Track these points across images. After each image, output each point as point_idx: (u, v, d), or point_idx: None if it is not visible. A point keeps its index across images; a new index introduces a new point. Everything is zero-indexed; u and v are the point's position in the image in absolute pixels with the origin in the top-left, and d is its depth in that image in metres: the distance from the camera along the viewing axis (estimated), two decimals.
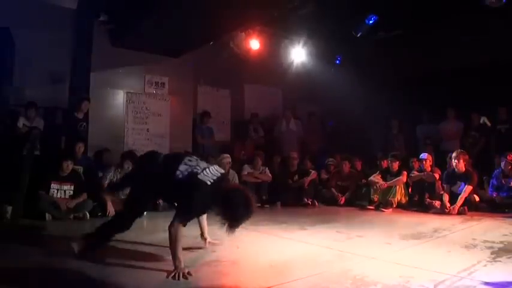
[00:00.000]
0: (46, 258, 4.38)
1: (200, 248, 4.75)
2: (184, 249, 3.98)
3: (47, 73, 8.62)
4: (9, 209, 6.63)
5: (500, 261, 4.21)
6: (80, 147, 8.12)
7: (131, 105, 9.84)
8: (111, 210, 7.13)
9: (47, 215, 6.76)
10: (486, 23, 8.75)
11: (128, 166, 7.59)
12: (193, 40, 9.14)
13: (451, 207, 7.69)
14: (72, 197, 7.18)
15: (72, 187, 7.25)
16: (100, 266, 3.96)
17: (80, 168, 7.91)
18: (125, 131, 9.71)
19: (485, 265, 4.02)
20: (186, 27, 8.15)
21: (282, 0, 7.66)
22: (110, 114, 9.61)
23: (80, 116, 8.50)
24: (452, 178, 8.14)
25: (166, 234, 3.77)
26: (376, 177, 9.01)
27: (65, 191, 7.21)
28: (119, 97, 9.75)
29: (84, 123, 8.59)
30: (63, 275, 3.80)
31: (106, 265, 4.01)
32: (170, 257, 3.75)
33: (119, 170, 7.72)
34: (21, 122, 7.82)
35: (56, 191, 7.13)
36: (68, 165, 7.30)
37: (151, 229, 5.93)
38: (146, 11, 7.76)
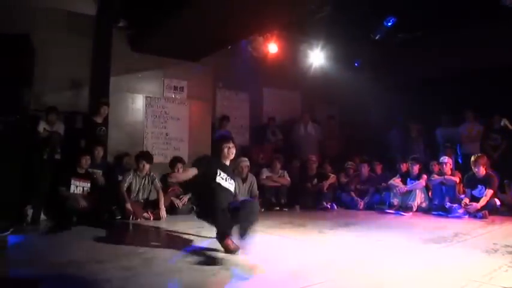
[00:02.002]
0: (65, 261, 4.41)
1: (217, 251, 4.74)
2: (202, 252, 3.97)
3: (67, 78, 8.73)
4: (30, 212, 6.72)
5: None
6: (99, 151, 8.18)
7: (150, 110, 9.87)
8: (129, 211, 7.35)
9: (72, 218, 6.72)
10: (506, 23, 8.66)
11: (143, 165, 7.75)
12: (211, 44, 9.16)
13: (472, 204, 7.65)
14: (89, 193, 7.34)
15: (89, 184, 7.45)
16: (119, 269, 3.98)
17: (100, 172, 8.00)
18: (144, 135, 9.75)
19: (506, 270, 3.96)
20: (204, 31, 8.18)
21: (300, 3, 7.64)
22: (130, 119, 9.64)
23: (99, 120, 8.58)
24: (473, 182, 8.06)
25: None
26: (395, 181, 8.94)
27: (83, 188, 7.38)
28: (138, 101, 9.78)
29: (104, 128, 8.65)
30: (82, 278, 3.82)
31: (126, 268, 4.03)
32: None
33: (138, 173, 7.80)
34: (42, 126, 7.89)
35: (75, 187, 7.29)
36: (86, 161, 7.51)
37: (168, 234, 5.97)
38: (165, 15, 7.82)
